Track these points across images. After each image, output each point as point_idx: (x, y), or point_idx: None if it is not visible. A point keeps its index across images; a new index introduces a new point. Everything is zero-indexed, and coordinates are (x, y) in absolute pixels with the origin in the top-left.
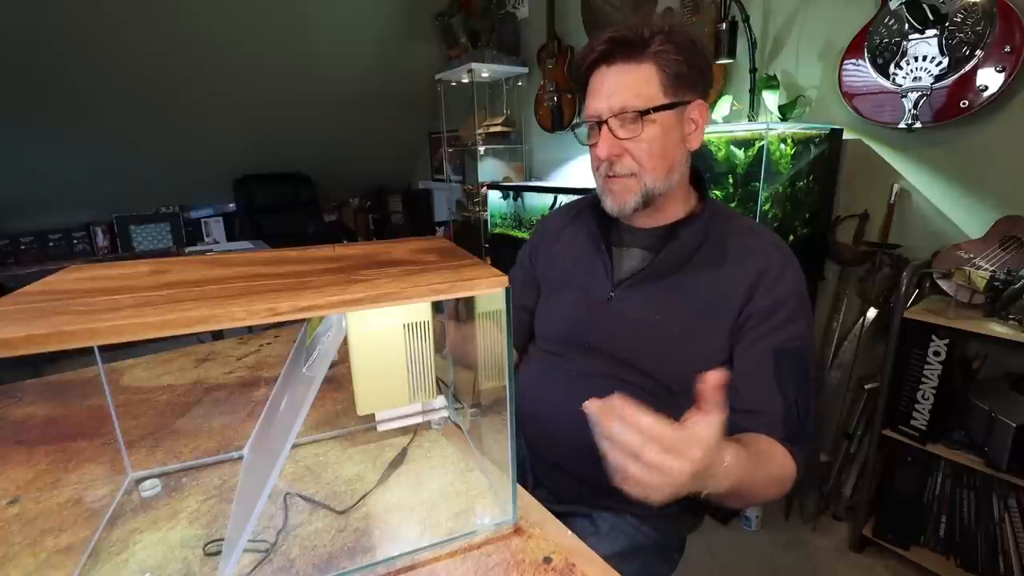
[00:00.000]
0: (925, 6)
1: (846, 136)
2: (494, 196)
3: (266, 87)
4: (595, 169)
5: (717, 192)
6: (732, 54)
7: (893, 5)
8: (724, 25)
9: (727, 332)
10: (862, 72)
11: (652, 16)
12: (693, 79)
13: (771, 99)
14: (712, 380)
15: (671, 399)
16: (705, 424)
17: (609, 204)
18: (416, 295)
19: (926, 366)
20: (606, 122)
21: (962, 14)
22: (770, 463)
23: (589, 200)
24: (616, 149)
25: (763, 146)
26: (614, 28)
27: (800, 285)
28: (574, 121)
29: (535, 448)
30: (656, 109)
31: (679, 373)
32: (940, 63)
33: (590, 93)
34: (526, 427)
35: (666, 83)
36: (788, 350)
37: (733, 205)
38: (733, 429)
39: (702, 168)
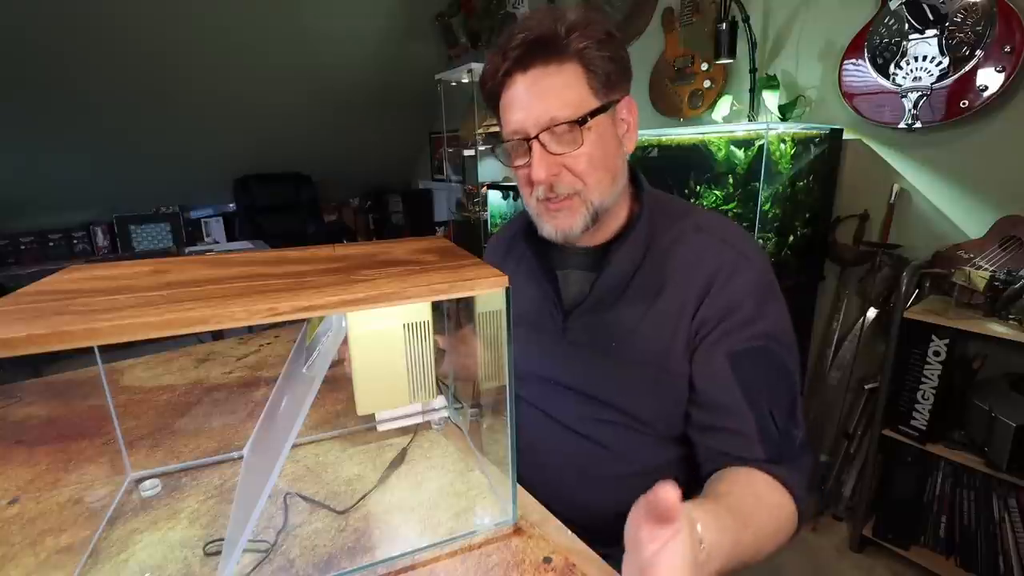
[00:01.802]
0: (925, 6)
1: (846, 136)
2: (494, 196)
3: (266, 87)
4: (527, 195)
5: (717, 192)
6: (732, 54)
7: (893, 5)
8: (724, 25)
9: (684, 349)
10: (862, 72)
11: (555, 11)
12: (619, 75)
13: (771, 99)
14: (664, 498)
15: (644, 430)
16: (669, 553)
17: (549, 231)
18: (416, 295)
19: (926, 366)
20: (536, 138)
21: (962, 14)
22: (758, 512)
23: (520, 227)
24: (554, 168)
25: (763, 146)
26: (521, 26)
27: (757, 281)
28: (492, 145)
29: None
30: (592, 115)
31: (648, 402)
32: (940, 63)
33: (508, 106)
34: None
35: (595, 83)
36: (751, 351)
37: (732, 205)
38: (705, 453)
39: (703, 169)
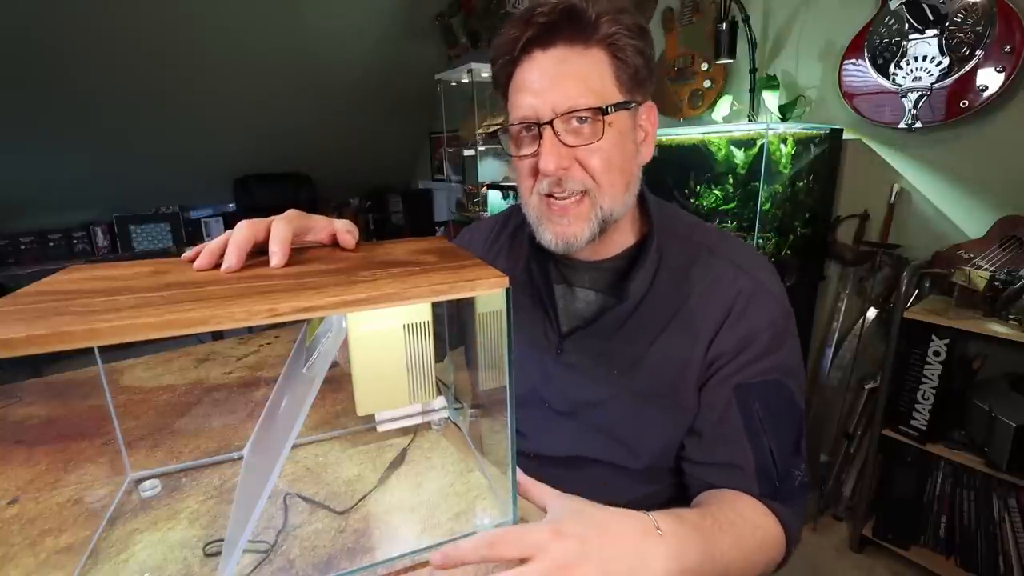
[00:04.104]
0: (925, 6)
1: (846, 136)
2: (494, 196)
3: (266, 87)
4: (526, 190)
5: (717, 192)
6: (732, 54)
7: (893, 5)
8: (724, 25)
9: (695, 381)
10: (862, 72)
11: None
12: (646, 74)
13: (771, 99)
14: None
15: (633, 463)
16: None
17: (549, 238)
18: (416, 295)
19: (926, 366)
20: (550, 124)
21: (962, 14)
22: (738, 523)
23: (526, 225)
24: (565, 161)
25: (763, 146)
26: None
27: (774, 312)
28: (493, 128)
29: None
30: (616, 107)
31: (648, 437)
32: (940, 63)
33: (520, 87)
34: None
35: (621, 76)
36: (761, 385)
37: (732, 205)
38: (697, 486)
39: (703, 169)
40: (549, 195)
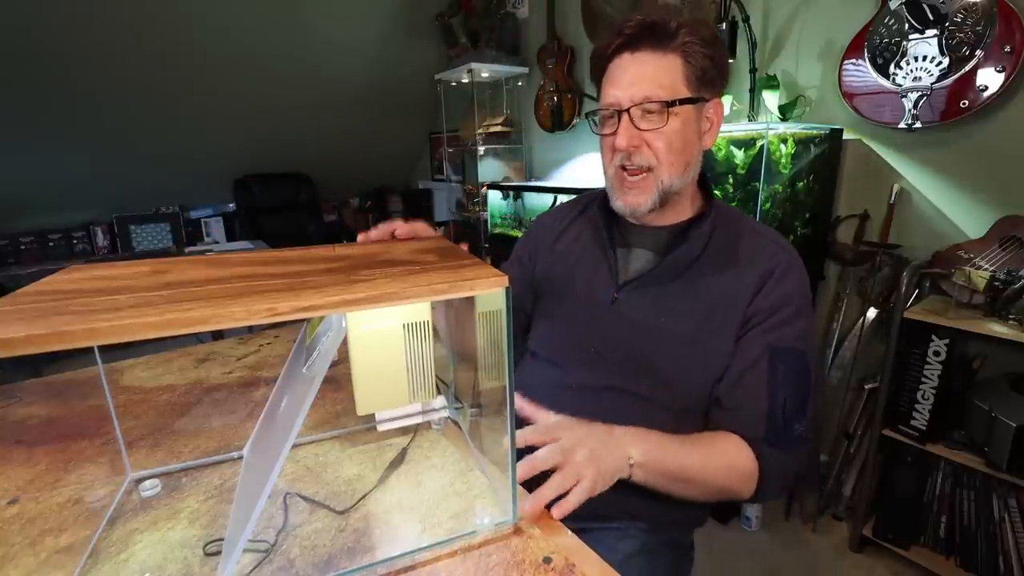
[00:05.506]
0: (925, 6)
1: (846, 136)
2: (494, 196)
3: (266, 87)
4: (607, 162)
5: (716, 192)
6: (732, 54)
7: (893, 5)
8: (724, 25)
9: (733, 335)
10: (862, 72)
11: (672, 8)
12: (714, 76)
13: (771, 99)
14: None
15: (668, 403)
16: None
17: (620, 205)
18: (416, 295)
19: (926, 366)
20: (627, 111)
21: (962, 14)
22: (708, 444)
23: (598, 198)
24: (636, 140)
25: (763, 146)
26: (640, 13)
27: (803, 286)
28: (586, 111)
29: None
30: (681, 102)
31: (685, 378)
32: (940, 63)
33: (609, 81)
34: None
35: (690, 77)
36: (783, 349)
37: (732, 205)
38: (714, 427)
39: (703, 168)
40: (622, 167)
